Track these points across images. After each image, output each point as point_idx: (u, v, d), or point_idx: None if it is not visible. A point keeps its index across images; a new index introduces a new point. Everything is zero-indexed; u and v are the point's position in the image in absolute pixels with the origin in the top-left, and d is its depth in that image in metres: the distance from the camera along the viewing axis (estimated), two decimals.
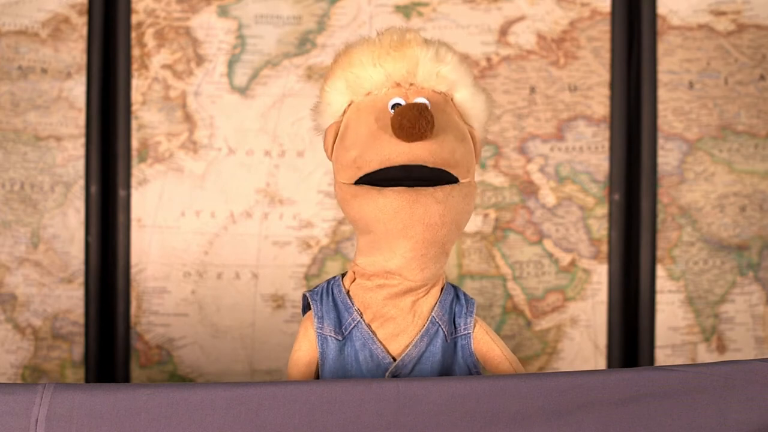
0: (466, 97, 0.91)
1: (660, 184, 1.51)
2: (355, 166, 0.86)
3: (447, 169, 0.85)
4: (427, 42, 0.90)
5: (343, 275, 0.94)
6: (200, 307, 1.49)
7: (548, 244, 1.52)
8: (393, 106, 0.87)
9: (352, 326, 0.90)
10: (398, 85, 0.88)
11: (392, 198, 0.84)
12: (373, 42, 0.89)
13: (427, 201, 0.84)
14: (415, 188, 0.84)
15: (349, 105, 0.91)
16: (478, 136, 0.92)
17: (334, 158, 0.91)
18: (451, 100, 0.91)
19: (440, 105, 0.88)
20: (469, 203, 0.88)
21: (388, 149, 0.84)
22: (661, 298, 1.51)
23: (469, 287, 1.50)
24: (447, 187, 0.85)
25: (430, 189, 0.84)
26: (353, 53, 0.90)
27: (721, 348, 1.52)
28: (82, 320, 1.48)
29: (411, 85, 0.89)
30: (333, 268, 1.50)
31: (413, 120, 0.81)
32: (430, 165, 0.84)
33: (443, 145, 0.85)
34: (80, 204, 1.48)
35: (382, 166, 0.84)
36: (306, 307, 0.95)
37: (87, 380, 1.47)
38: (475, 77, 0.93)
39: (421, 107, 0.82)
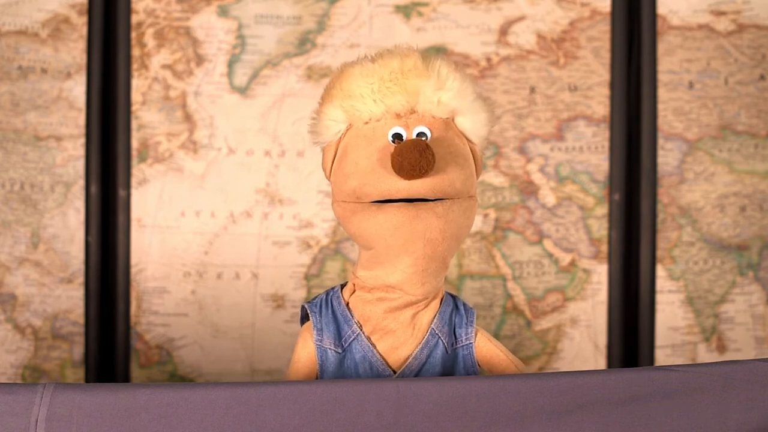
0: (467, 120, 0.90)
1: (660, 184, 1.51)
2: (355, 195, 0.86)
3: (446, 198, 0.85)
4: (427, 66, 0.87)
5: (342, 286, 0.94)
6: (200, 307, 1.49)
7: (548, 244, 1.52)
8: (393, 136, 0.86)
9: (351, 339, 0.90)
10: (398, 115, 0.87)
11: (392, 214, 0.84)
12: (372, 72, 0.87)
13: (428, 216, 0.84)
14: (415, 203, 0.84)
15: (348, 127, 0.89)
16: (478, 152, 0.92)
17: (333, 180, 0.90)
18: (452, 120, 0.89)
19: (441, 131, 0.87)
20: (469, 217, 0.88)
21: (388, 185, 0.84)
22: (661, 298, 1.51)
23: (469, 287, 1.50)
24: (447, 202, 0.85)
25: (430, 204, 0.84)
26: (352, 85, 0.87)
27: (721, 348, 1.52)
28: (82, 320, 1.48)
29: (412, 113, 0.87)
30: (333, 268, 1.50)
31: (414, 162, 0.80)
32: (430, 198, 0.84)
33: (443, 179, 0.84)
34: (80, 204, 1.48)
35: (382, 199, 0.85)
36: (304, 318, 0.95)
37: (87, 380, 1.47)
38: (476, 93, 0.90)
39: (422, 146, 0.81)
